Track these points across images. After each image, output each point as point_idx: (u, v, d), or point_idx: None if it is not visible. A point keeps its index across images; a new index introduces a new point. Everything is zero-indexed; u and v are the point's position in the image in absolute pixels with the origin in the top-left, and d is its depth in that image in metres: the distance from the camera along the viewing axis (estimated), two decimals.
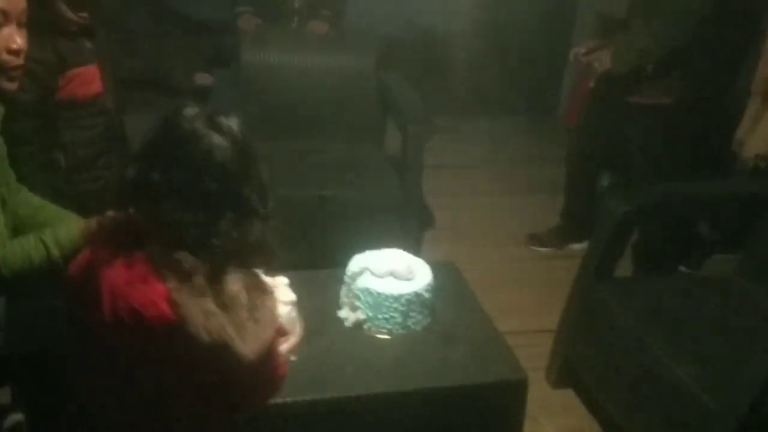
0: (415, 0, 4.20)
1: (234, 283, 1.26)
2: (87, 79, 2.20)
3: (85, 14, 2.11)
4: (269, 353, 1.33)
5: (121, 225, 1.26)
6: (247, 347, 1.24)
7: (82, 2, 2.09)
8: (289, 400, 1.66)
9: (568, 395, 2.41)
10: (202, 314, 1.18)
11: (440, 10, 4.39)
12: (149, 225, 1.22)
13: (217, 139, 1.22)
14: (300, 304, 1.87)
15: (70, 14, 2.09)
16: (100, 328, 1.21)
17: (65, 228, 1.52)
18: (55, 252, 1.46)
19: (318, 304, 1.97)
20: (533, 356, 2.39)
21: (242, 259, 1.28)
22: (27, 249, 1.46)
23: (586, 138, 3.22)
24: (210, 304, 1.20)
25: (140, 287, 1.18)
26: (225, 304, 1.23)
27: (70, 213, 1.64)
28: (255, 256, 1.30)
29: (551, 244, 3.40)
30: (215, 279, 1.22)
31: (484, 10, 3.80)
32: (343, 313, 1.94)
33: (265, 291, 1.35)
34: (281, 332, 1.51)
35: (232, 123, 1.26)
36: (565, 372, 2.38)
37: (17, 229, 1.53)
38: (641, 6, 2.80)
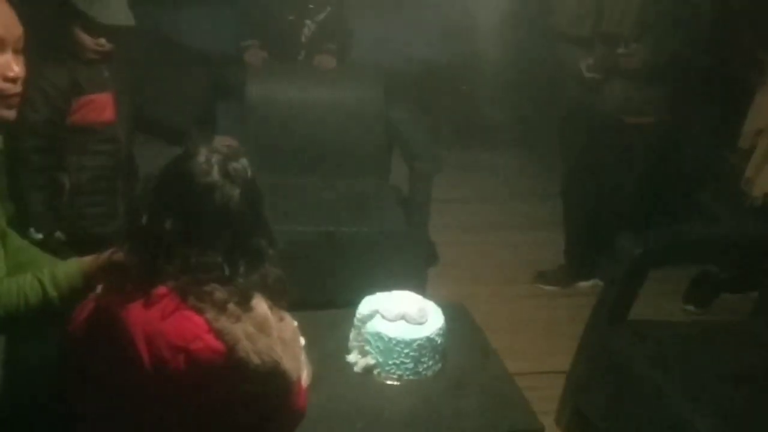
0: (418, 35, 4.21)
1: (261, 307, 1.25)
2: (100, 106, 2.20)
3: (102, 41, 2.10)
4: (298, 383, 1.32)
5: (133, 267, 1.22)
6: (289, 366, 1.23)
7: (100, 29, 2.08)
8: None
9: None
10: (248, 338, 1.17)
11: (444, 45, 4.40)
12: (166, 266, 1.19)
13: (231, 190, 1.21)
14: (307, 347, 1.82)
15: (87, 41, 2.09)
16: (131, 380, 1.17)
17: (64, 267, 1.46)
18: (53, 292, 1.37)
19: (326, 347, 1.92)
20: (542, 399, 2.33)
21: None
22: (23, 287, 1.38)
23: (580, 170, 3.22)
24: (250, 328, 1.19)
25: (177, 322, 1.15)
26: (259, 328, 1.22)
27: (51, 257, 1.56)
28: (273, 297, 1.29)
29: (557, 283, 3.35)
30: (245, 305, 1.22)
31: (487, 45, 3.80)
32: (353, 357, 1.88)
33: (283, 311, 1.35)
34: None
35: (243, 166, 1.25)
36: (576, 418, 2.31)
37: None
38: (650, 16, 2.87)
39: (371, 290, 1.96)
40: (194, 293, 1.17)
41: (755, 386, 1.95)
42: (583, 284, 3.32)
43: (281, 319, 1.29)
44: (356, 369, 1.86)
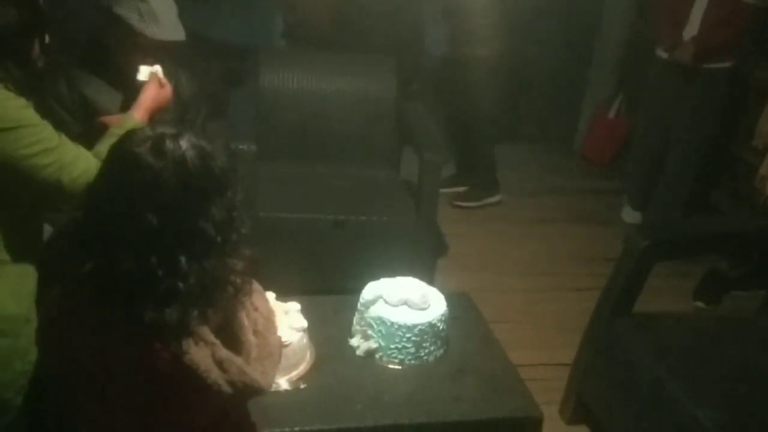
0: (434, 29, 4.21)
1: (232, 312, 1.17)
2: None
3: (150, 60, 2.00)
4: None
5: (85, 282, 1.15)
6: (269, 374, 1.20)
7: (151, 46, 1.96)
8: (296, 429, 1.63)
9: None
10: (219, 367, 1.12)
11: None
12: (110, 280, 1.10)
13: (161, 172, 1.08)
14: (311, 331, 1.85)
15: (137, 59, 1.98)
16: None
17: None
18: None
19: (330, 331, 1.94)
20: (546, 390, 2.35)
21: (209, 298, 1.13)
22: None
23: None
24: (222, 352, 1.13)
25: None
26: (233, 341, 1.17)
27: None
28: (220, 293, 1.15)
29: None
30: (211, 318, 1.13)
31: (503, 40, 3.81)
32: (355, 341, 1.91)
33: (251, 291, 1.23)
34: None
35: (181, 145, 1.10)
36: (580, 408, 2.32)
37: None
38: None
39: (379, 278, 1.98)
40: (155, 322, 1.06)
41: (759, 380, 1.94)
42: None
43: (255, 309, 1.22)
44: (358, 352, 1.88)
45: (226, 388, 1.12)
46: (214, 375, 1.10)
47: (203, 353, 1.10)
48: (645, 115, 3.78)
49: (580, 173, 4.59)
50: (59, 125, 1.92)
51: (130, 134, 1.14)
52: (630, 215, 3.90)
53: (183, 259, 1.08)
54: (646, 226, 2.27)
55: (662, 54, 3.46)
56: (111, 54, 2.00)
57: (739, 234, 2.31)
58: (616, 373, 2.14)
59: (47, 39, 1.57)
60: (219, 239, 1.11)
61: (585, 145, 4.78)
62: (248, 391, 1.16)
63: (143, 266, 1.07)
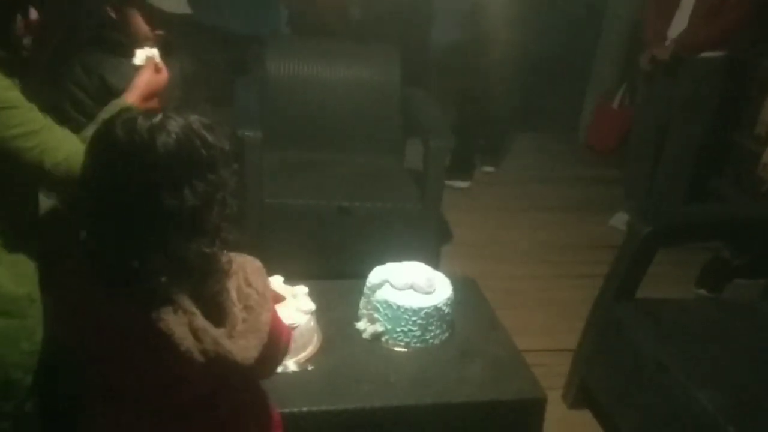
0: (440, 19, 4.22)
1: (218, 285, 1.18)
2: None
3: (161, 33, 1.99)
4: (273, 328, 1.27)
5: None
6: (249, 349, 1.18)
7: (159, 19, 1.95)
8: (304, 409, 1.65)
9: (586, 416, 2.37)
10: (192, 334, 1.13)
11: (460, 28, 4.41)
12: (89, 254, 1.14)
13: (128, 148, 1.08)
14: (318, 314, 1.88)
15: (146, 30, 1.97)
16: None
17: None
18: None
19: (337, 314, 1.97)
20: (551, 375, 2.37)
21: (180, 274, 1.14)
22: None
23: None
24: (200, 321, 1.13)
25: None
26: (218, 313, 1.17)
27: None
28: (195, 274, 1.15)
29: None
30: (194, 290, 1.14)
31: (508, 30, 3.82)
32: (362, 324, 1.93)
33: (246, 267, 1.24)
34: (276, 299, 1.49)
35: (172, 124, 1.10)
36: (583, 392, 2.35)
37: None
38: None
39: (385, 263, 2.00)
40: (139, 292, 1.10)
41: (761, 364, 1.96)
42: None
43: (249, 285, 1.22)
44: (365, 336, 1.90)
45: (198, 357, 1.12)
46: (188, 343, 1.12)
47: (180, 321, 1.12)
48: (640, 109, 3.72)
49: (584, 162, 4.62)
50: (80, 109, 1.92)
51: (118, 113, 1.15)
52: (621, 221, 3.70)
53: (149, 236, 1.09)
54: (649, 212, 2.27)
55: (646, 66, 3.41)
56: (119, 31, 2.00)
57: (741, 221, 2.32)
58: (618, 358, 2.16)
59: (33, 16, 1.54)
60: (189, 219, 1.10)
61: (589, 134, 4.80)
62: (221, 363, 1.15)
63: (107, 240, 1.11)
